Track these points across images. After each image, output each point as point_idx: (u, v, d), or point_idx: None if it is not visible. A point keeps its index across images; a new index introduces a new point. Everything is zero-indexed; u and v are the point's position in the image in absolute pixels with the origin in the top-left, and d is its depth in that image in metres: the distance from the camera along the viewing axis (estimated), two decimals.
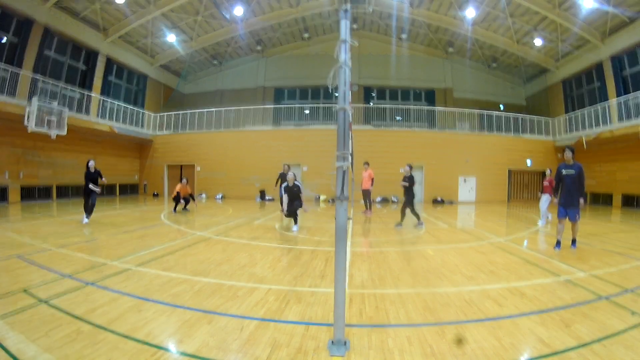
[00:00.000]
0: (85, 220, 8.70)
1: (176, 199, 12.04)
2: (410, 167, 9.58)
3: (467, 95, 23.12)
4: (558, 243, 6.41)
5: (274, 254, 5.99)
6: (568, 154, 6.28)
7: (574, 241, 6.41)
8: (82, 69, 16.98)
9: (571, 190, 6.19)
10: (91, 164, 8.99)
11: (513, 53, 20.55)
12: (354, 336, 2.83)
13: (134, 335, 2.76)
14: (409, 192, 9.26)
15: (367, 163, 12.05)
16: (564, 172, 6.28)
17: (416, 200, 10.45)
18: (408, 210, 9.25)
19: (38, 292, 3.66)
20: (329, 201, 17.61)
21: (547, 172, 10.67)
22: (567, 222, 6.37)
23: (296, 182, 8.93)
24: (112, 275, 4.37)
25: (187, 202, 12.38)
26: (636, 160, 15.11)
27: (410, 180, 9.31)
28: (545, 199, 10.21)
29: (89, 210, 8.79)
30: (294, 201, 8.78)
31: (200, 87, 24.97)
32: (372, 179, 11.97)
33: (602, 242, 7.19)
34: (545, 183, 10.45)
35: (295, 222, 8.84)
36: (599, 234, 8.33)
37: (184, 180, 12.57)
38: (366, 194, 11.93)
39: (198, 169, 19.74)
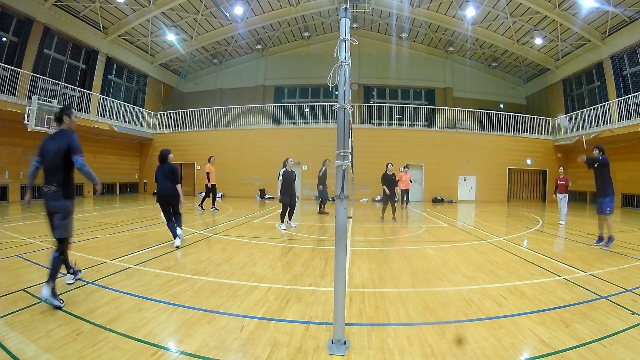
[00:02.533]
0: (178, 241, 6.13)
1: (211, 190, 11.98)
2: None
3: (467, 95, 23.15)
4: (599, 238, 6.74)
5: (274, 252, 5.99)
6: (597, 152, 6.78)
7: (609, 239, 6.41)
8: (82, 68, 16.98)
9: (599, 183, 6.70)
10: (171, 156, 6.48)
11: (513, 52, 20.56)
12: (354, 336, 2.83)
13: (135, 334, 2.75)
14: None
15: (407, 166, 14.38)
16: (594, 168, 6.78)
17: (415, 199, 11.17)
18: (389, 203, 10.48)
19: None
20: (329, 200, 17.60)
21: (561, 170, 10.58)
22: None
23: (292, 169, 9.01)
24: (112, 275, 4.37)
25: (215, 193, 12.21)
26: (636, 160, 15.11)
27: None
28: (562, 198, 10.20)
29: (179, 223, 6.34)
30: (291, 189, 8.63)
31: (200, 85, 24.98)
32: (411, 180, 13.90)
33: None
34: (561, 182, 10.27)
35: (290, 217, 8.86)
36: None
37: (212, 159, 12.36)
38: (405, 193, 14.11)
39: (198, 167, 19.74)
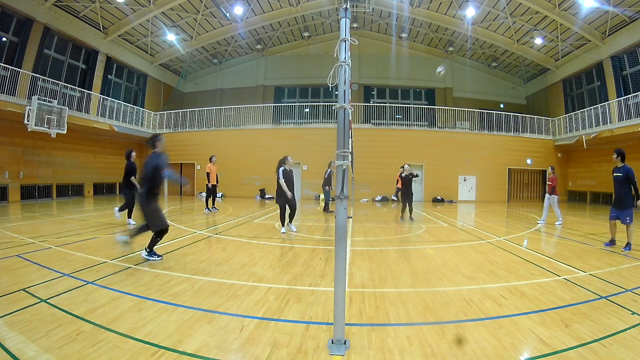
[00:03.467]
0: (133, 222, 8.22)
1: (211, 191, 11.91)
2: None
3: (467, 95, 23.14)
4: (611, 241, 6.59)
5: (274, 252, 5.99)
6: (614, 157, 6.36)
7: (627, 244, 6.24)
8: (82, 68, 16.98)
9: (618, 193, 6.35)
10: (134, 154, 8.27)
11: (513, 52, 20.54)
12: (354, 335, 2.84)
13: (134, 334, 2.76)
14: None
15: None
16: (614, 174, 6.42)
17: (415, 199, 11.47)
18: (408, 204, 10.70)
19: (38, 291, 3.66)
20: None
21: (549, 170, 10.38)
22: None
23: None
24: (111, 274, 4.37)
25: (215, 193, 12.19)
26: (636, 160, 15.03)
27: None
28: (548, 198, 9.93)
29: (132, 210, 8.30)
30: (290, 190, 7.86)
31: (200, 85, 24.97)
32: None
33: (602, 241, 7.18)
34: (548, 182, 10.11)
35: (291, 219, 8.22)
36: (598, 233, 8.33)
37: (214, 158, 12.16)
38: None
39: (198, 167, 19.74)
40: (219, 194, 18.77)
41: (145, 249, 5.18)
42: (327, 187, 11.94)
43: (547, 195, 10.01)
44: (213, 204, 12.13)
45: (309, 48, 23.60)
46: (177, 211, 12.13)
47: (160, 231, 5.15)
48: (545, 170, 19.20)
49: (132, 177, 7.98)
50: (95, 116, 16.90)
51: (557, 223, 9.79)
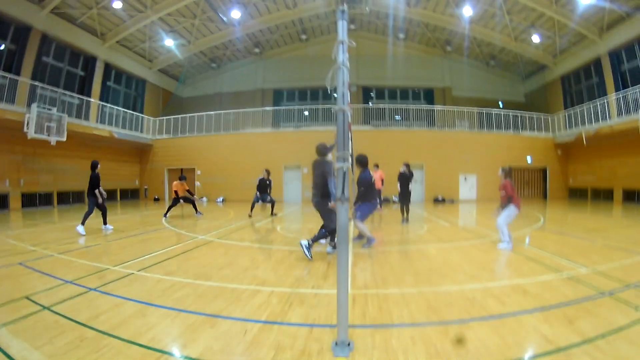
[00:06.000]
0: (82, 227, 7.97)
1: (175, 201, 11.97)
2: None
3: (466, 94, 23.13)
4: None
5: (276, 256, 5.98)
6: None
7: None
8: (80, 75, 17.02)
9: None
10: (99, 166, 8.41)
11: (511, 50, 20.57)
12: (358, 337, 2.83)
13: (138, 340, 2.75)
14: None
15: (377, 165, 13.22)
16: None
17: (416, 199, 11.35)
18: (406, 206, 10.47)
19: (41, 298, 3.66)
20: None
21: (500, 173, 7.25)
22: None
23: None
24: (114, 281, 4.37)
25: (193, 203, 12.28)
26: (636, 155, 15.10)
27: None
28: (507, 214, 6.46)
29: (85, 219, 8.05)
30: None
31: (199, 90, 25.00)
32: (382, 180, 13.12)
33: (603, 237, 7.18)
34: (502, 192, 6.92)
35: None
36: (600, 229, 8.33)
37: (182, 179, 12.35)
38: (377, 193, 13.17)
39: (198, 172, 19.75)
40: (220, 198, 18.84)
41: (309, 241, 5.55)
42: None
43: (504, 209, 6.75)
44: (166, 213, 11.75)
45: (307, 50, 23.63)
46: (178, 216, 12.13)
47: (331, 231, 5.65)
48: (546, 169, 19.26)
49: (96, 190, 8.11)
50: (95, 123, 16.93)
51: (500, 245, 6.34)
